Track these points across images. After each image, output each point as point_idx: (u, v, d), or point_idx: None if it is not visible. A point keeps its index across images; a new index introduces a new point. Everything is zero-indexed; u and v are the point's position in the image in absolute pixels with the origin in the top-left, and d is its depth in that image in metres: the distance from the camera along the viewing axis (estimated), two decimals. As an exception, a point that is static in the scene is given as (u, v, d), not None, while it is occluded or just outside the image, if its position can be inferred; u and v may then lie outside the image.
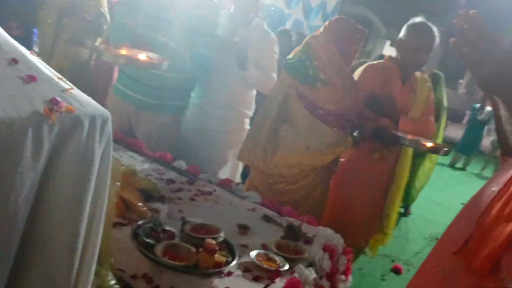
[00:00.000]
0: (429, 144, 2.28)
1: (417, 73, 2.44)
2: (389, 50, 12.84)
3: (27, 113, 0.64)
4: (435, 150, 2.33)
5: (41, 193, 0.69)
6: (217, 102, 2.65)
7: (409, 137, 2.28)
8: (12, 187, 0.63)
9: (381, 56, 5.78)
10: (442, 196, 5.84)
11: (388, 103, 2.30)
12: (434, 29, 2.28)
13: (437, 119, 3.60)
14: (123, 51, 2.06)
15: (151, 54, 2.10)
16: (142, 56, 2.05)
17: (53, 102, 0.68)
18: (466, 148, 8.20)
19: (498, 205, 1.09)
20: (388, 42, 14.18)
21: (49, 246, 0.72)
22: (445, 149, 2.29)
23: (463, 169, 8.46)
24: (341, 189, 2.49)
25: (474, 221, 1.11)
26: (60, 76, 0.75)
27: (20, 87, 0.67)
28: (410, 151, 2.55)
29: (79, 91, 0.75)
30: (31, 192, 0.66)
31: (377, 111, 2.28)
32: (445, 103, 4.24)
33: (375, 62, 2.49)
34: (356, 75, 2.41)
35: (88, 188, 0.73)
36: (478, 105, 8.04)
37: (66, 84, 0.74)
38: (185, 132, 2.69)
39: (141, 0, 2.36)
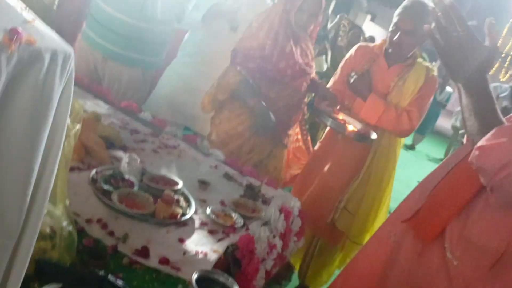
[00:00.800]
0: (351, 128, 2.16)
1: (420, 62, 2.27)
2: (368, 25, 12.83)
3: (-16, 40, 0.61)
4: (357, 137, 2.15)
5: (-4, 124, 0.67)
6: (210, 62, 2.56)
7: (340, 116, 2.21)
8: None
9: (372, 38, 5.80)
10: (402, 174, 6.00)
11: (360, 78, 2.23)
12: (425, 12, 2.07)
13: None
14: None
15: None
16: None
17: (13, 32, 0.65)
18: (420, 128, 8.00)
19: (450, 179, 1.16)
20: (369, 17, 14.14)
21: (1, 179, 0.71)
22: (371, 138, 2.17)
23: (411, 148, 8.46)
24: (308, 164, 2.51)
25: (427, 194, 1.18)
26: (24, 7, 0.72)
27: (-22, 13, 0.64)
28: (390, 142, 2.31)
29: (43, 24, 0.72)
30: (-16, 123, 0.65)
31: (349, 85, 2.25)
32: None
33: (365, 43, 2.47)
34: (349, 53, 2.43)
35: (44, 124, 0.72)
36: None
37: (29, 15, 0.72)
38: (173, 90, 2.61)
39: None
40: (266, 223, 1.57)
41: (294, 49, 2.19)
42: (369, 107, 2.23)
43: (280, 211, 1.67)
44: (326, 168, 2.38)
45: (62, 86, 0.74)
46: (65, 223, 1.09)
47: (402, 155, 2.87)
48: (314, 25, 2.26)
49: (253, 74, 2.14)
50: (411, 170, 6.55)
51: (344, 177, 2.33)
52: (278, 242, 1.54)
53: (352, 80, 2.24)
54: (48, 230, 1.05)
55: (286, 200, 1.80)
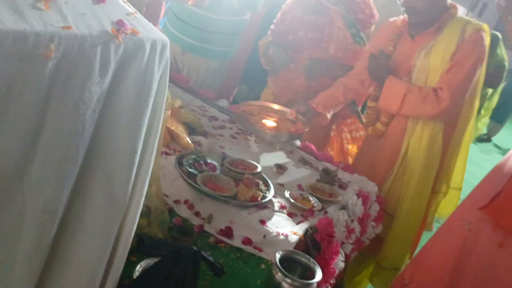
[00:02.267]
0: (250, 138, 1.89)
1: (454, 21, 1.85)
2: None
3: (97, 31, 0.68)
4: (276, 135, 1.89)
5: (105, 110, 0.74)
6: None
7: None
8: (81, 99, 0.69)
9: None
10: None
11: (374, 62, 1.95)
12: None
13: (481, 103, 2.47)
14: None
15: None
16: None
17: (120, 23, 0.72)
18: (498, 114, 5.93)
19: None
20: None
21: (110, 160, 0.78)
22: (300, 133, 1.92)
23: (486, 140, 6.52)
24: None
25: (505, 180, 1.11)
26: (125, 0, 0.79)
27: (90, 7, 0.71)
28: (429, 131, 1.92)
29: (142, 15, 0.78)
30: (97, 107, 0.72)
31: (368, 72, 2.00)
32: (507, 65, 3.96)
33: (392, 19, 2.09)
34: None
35: (146, 108, 0.78)
36: None
37: (130, 8, 0.78)
38: None
39: None
40: (344, 207, 1.58)
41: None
42: (387, 94, 1.90)
43: (358, 195, 1.66)
44: (365, 160, 2.13)
45: (160, 73, 0.80)
46: (158, 202, 1.18)
47: (474, 149, 2.37)
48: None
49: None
50: (486, 166, 5.07)
51: (378, 174, 2.00)
52: (357, 226, 1.54)
53: (369, 65, 1.96)
54: (144, 208, 1.13)
55: (363, 185, 1.78)
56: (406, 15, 1.92)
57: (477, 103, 2.02)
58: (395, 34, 1.98)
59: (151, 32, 0.78)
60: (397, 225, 1.91)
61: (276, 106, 2.09)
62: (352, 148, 2.39)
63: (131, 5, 0.80)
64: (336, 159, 2.18)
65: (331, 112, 2.15)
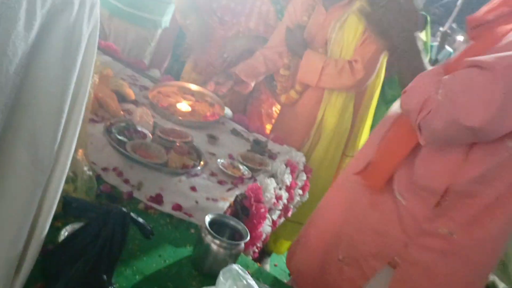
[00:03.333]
0: (186, 109, 1.86)
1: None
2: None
3: (21, -17, 0.65)
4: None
5: (31, 66, 0.72)
6: None
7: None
8: (4, 54, 0.66)
9: None
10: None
11: (290, 35, 2.01)
12: None
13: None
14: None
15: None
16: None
17: (45, -24, 0.69)
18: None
19: (395, 129, 1.24)
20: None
21: (35, 118, 0.76)
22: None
23: None
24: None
25: (375, 147, 1.25)
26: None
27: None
28: (336, 97, 2.04)
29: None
30: (21, 62, 0.69)
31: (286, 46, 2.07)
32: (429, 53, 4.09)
33: None
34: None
35: (74, 66, 0.76)
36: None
37: (57, -39, 0.75)
38: None
39: None
40: (272, 176, 1.64)
41: None
42: (305, 68, 1.98)
43: (286, 165, 1.73)
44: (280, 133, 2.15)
45: (89, 31, 0.78)
46: (85, 168, 1.16)
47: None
48: None
49: None
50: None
51: (295, 141, 2.10)
52: (284, 194, 1.61)
53: (286, 39, 2.02)
54: (70, 174, 1.11)
55: (291, 155, 1.86)
56: None
57: (383, 73, 2.17)
58: (310, 6, 2.05)
59: (79, -13, 0.76)
60: (311, 185, 1.97)
61: (194, 87, 2.05)
62: (268, 126, 2.45)
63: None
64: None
65: (253, 82, 2.20)
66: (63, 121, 0.79)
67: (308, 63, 1.98)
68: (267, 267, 2.48)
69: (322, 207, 1.46)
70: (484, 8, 1.11)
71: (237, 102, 2.29)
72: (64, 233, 1.00)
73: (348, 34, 1.93)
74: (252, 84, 2.21)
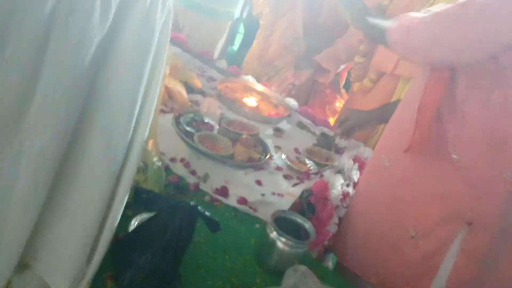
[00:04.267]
0: (252, 104, 1.87)
1: None
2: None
3: (99, -29, 0.65)
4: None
5: (106, 56, 0.72)
6: None
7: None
8: (81, 45, 0.66)
9: None
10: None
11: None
12: None
13: None
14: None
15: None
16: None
17: (122, -35, 0.69)
18: None
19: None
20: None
21: (110, 107, 0.76)
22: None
23: None
24: None
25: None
26: None
27: None
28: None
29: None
30: (97, 51, 0.69)
31: None
32: None
33: None
34: None
35: (147, 57, 0.76)
36: None
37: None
38: None
39: None
40: (339, 172, 1.58)
41: None
42: (381, 52, 1.87)
43: (354, 160, 1.66)
44: None
45: (162, 21, 0.77)
46: (155, 159, 1.17)
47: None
48: None
49: None
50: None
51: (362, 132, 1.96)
52: (352, 191, 1.55)
53: None
54: (141, 163, 1.13)
55: (359, 150, 1.78)
56: None
57: None
58: None
59: (153, -23, 0.75)
60: None
61: (260, 87, 2.03)
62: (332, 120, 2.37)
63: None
64: None
65: (336, 70, 2.13)
66: (137, 110, 0.79)
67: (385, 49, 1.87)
68: (329, 264, 2.42)
69: (361, 196, 1.47)
70: None
71: (299, 95, 2.23)
72: (134, 223, 1.02)
73: None
74: (333, 73, 2.15)
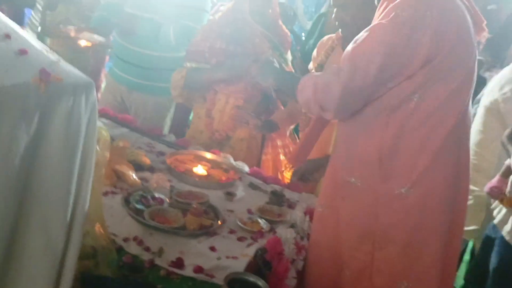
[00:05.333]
0: (202, 173, 1.94)
1: None
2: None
3: (19, 82, 0.72)
4: None
5: (35, 156, 0.77)
6: None
7: None
8: (9, 148, 0.72)
9: None
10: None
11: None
12: None
13: None
14: (72, 33, 2.18)
15: (96, 37, 2.20)
16: (83, 42, 2.15)
17: (42, 72, 0.76)
18: None
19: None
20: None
21: (44, 204, 0.81)
22: None
23: None
24: None
25: None
26: (49, 49, 0.83)
27: (13, 59, 0.75)
28: None
29: (65, 62, 0.83)
30: (25, 154, 0.75)
31: None
32: None
33: (331, 35, 2.23)
34: None
35: (76, 150, 0.82)
36: None
37: (54, 57, 0.82)
38: None
39: None
40: (292, 226, 1.63)
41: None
42: None
43: (305, 213, 1.73)
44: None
45: (88, 114, 0.84)
46: (104, 242, 1.19)
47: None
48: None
49: None
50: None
51: None
52: (307, 243, 1.59)
53: None
54: (90, 249, 1.15)
55: (311, 202, 1.85)
56: (340, 29, 2.00)
57: None
58: (330, 47, 2.12)
59: (75, 77, 0.82)
60: None
61: (209, 155, 2.09)
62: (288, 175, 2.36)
63: (55, 54, 0.85)
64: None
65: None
66: (71, 204, 0.84)
67: None
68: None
69: (311, 246, 1.60)
70: None
71: (250, 155, 2.31)
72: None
73: None
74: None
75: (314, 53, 2.25)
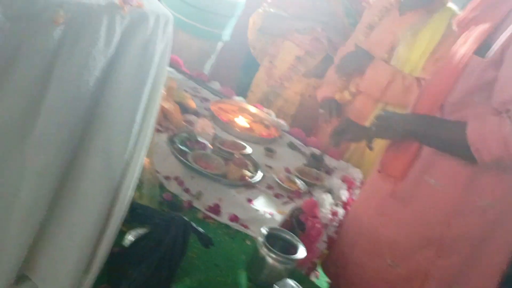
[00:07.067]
0: (243, 124, 1.90)
1: (449, 7, 1.84)
2: None
3: (104, 1, 0.70)
4: None
5: (108, 78, 0.77)
6: None
7: None
8: (85, 66, 0.71)
9: None
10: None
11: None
12: None
13: None
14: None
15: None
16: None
17: (126, -5, 0.74)
18: None
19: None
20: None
21: (109, 128, 0.81)
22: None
23: None
24: None
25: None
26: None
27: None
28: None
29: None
30: (101, 75, 0.74)
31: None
32: None
33: None
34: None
35: (147, 80, 0.81)
36: None
37: (135, -18, 0.80)
38: None
39: None
40: (329, 191, 1.63)
41: None
42: (370, 78, 1.89)
43: (343, 180, 1.71)
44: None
45: (162, 47, 0.83)
46: (150, 176, 1.21)
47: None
48: None
49: None
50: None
51: None
52: (340, 210, 1.59)
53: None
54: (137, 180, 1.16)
55: (348, 171, 1.84)
56: None
57: None
58: (384, 7, 1.98)
59: (155, 6, 0.80)
60: None
61: (253, 109, 2.08)
62: None
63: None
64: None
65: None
66: (135, 131, 0.84)
67: (374, 74, 1.88)
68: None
69: (349, 218, 1.54)
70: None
71: (305, 119, 2.30)
72: (129, 238, 1.05)
73: (419, 44, 1.82)
74: None
75: (366, 10, 2.13)
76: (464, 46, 1.24)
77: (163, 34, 0.81)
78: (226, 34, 2.71)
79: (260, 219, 1.36)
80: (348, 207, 1.65)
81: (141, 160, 0.89)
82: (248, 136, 1.85)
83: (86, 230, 0.85)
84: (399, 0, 1.95)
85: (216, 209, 1.35)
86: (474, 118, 1.17)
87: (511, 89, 1.11)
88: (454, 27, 1.44)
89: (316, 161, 1.78)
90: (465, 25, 1.31)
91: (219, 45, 2.76)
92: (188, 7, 2.48)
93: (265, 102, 2.35)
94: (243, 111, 2.07)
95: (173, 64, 2.31)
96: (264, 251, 1.11)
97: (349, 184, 1.72)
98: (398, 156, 1.35)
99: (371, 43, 1.97)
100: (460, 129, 1.17)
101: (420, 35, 1.83)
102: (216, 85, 2.31)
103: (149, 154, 1.21)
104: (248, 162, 1.57)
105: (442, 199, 1.27)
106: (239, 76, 3.03)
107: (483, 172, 1.21)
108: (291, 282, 1.03)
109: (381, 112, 1.43)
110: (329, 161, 1.89)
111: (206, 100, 2.10)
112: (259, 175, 1.54)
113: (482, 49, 1.18)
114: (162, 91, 0.87)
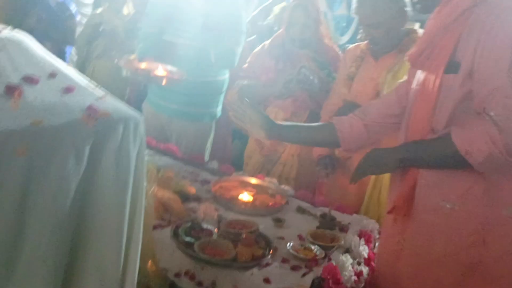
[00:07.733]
0: (247, 199, 1.87)
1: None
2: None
3: (68, 121, 0.70)
4: None
5: (86, 194, 0.75)
6: None
7: None
8: (60, 190, 0.69)
9: None
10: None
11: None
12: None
13: None
14: (143, 65, 2.15)
15: (170, 68, 2.19)
16: (160, 71, 2.15)
17: (90, 109, 0.74)
18: None
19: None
20: (417, 24, 13.85)
21: (98, 244, 0.78)
22: None
23: None
24: None
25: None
26: (95, 85, 0.82)
27: (59, 97, 0.73)
28: None
29: (112, 96, 0.80)
30: (77, 194, 0.72)
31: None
32: None
33: (354, 45, 2.19)
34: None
35: (127, 187, 0.79)
36: None
37: (100, 92, 0.80)
38: None
39: (161, 6, 2.44)
40: (347, 251, 1.55)
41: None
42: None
43: (360, 236, 1.64)
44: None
45: (137, 149, 0.81)
46: (157, 280, 1.15)
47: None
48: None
49: None
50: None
51: (351, 201, 2.10)
52: (364, 269, 1.50)
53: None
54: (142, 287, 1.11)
55: (363, 224, 1.76)
56: (369, 43, 1.99)
57: None
58: (358, 57, 2.05)
59: (122, 112, 0.80)
60: None
61: (254, 181, 2.05)
62: None
63: (101, 88, 0.83)
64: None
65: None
66: (124, 241, 0.80)
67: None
68: None
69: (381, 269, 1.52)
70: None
71: (308, 179, 2.27)
72: None
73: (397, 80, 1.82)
74: None
75: (341, 63, 2.19)
76: (428, 72, 1.30)
77: (134, 137, 0.80)
78: (219, 110, 2.74)
79: (281, 298, 1.28)
80: (372, 263, 1.57)
81: (137, 266, 0.85)
82: (254, 210, 1.80)
83: None
84: (369, 47, 2.00)
85: (234, 297, 1.27)
86: (456, 125, 1.22)
87: (485, 89, 1.17)
88: (407, 64, 1.49)
89: (327, 221, 1.72)
90: (420, 63, 1.36)
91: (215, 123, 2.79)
92: (178, 96, 2.52)
93: (263, 171, 2.32)
94: (245, 185, 2.03)
95: (167, 153, 2.32)
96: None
97: (367, 238, 1.64)
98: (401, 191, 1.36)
99: (355, 93, 1.99)
100: (447, 140, 1.20)
101: (400, 75, 1.84)
102: (214, 165, 2.29)
103: (152, 256, 1.17)
104: (258, 239, 1.51)
105: (466, 219, 1.22)
106: (233, 150, 3.05)
107: (498, 181, 1.19)
108: None
109: (367, 153, 1.42)
110: (341, 217, 1.82)
111: (206, 182, 2.08)
112: (271, 250, 1.48)
113: (450, 67, 1.24)
114: (145, 192, 0.84)
